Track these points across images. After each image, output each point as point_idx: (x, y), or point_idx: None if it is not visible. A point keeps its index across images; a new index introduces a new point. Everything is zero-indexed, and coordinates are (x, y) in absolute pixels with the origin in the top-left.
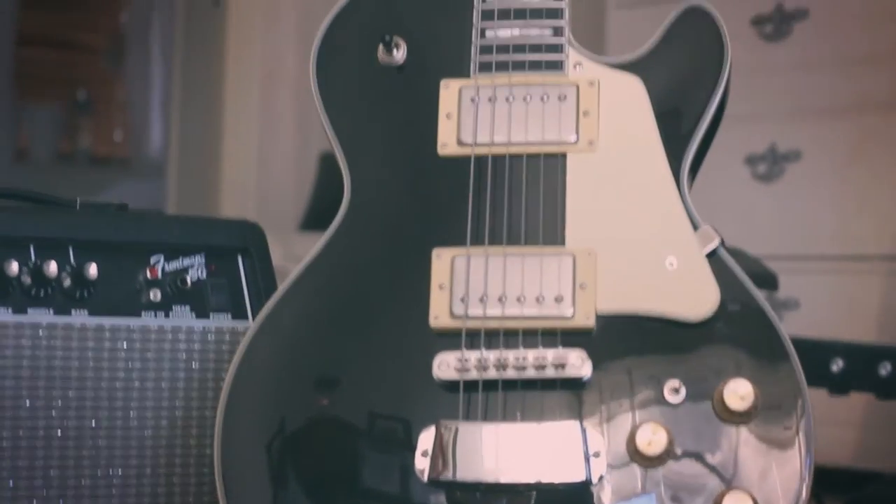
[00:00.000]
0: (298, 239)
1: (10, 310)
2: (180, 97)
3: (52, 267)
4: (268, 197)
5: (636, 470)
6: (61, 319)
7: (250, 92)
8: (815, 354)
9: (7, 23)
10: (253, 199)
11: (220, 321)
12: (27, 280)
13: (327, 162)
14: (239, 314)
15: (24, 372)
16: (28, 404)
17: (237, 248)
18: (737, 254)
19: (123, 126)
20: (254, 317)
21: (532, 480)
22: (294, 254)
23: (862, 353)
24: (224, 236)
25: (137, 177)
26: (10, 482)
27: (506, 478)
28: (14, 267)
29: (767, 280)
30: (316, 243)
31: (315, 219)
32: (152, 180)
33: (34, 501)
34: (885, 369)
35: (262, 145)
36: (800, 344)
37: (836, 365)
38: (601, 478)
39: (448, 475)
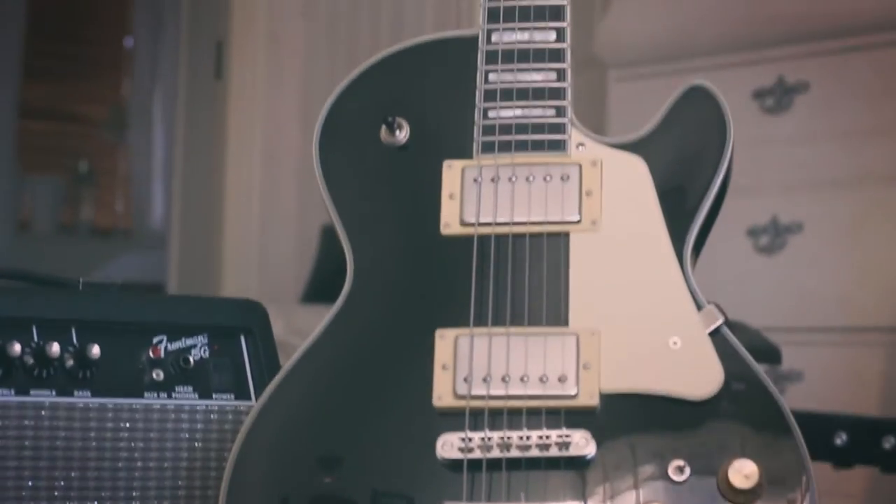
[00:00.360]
0: (300, 311)
1: (12, 391)
2: (182, 169)
3: (55, 348)
4: (269, 269)
5: None
6: (64, 400)
7: (252, 164)
8: (818, 428)
9: (9, 95)
10: (255, 271)
11: (223, 401)
12: (30, 361)
13: (329, 234)
14: (242, 394)
15: (26, 452)
16: (31, 485)
17: (240, 327)
18: (739, 327)
19: (125, 197)
20: (257, 397)
21: None
22: (296, 327)
23: (865, 426)
24: (227, 316)
25: (139, 248)
26: None
27: None
28: (17, 348)
29: (770, 353)
30: (318, 317)
31: (316, 291)
32: (154, 252)
33: None
34: (888, 443)
35: (264, 217)
36: (803, 418)
37: (840, 439)
38: None
39: None
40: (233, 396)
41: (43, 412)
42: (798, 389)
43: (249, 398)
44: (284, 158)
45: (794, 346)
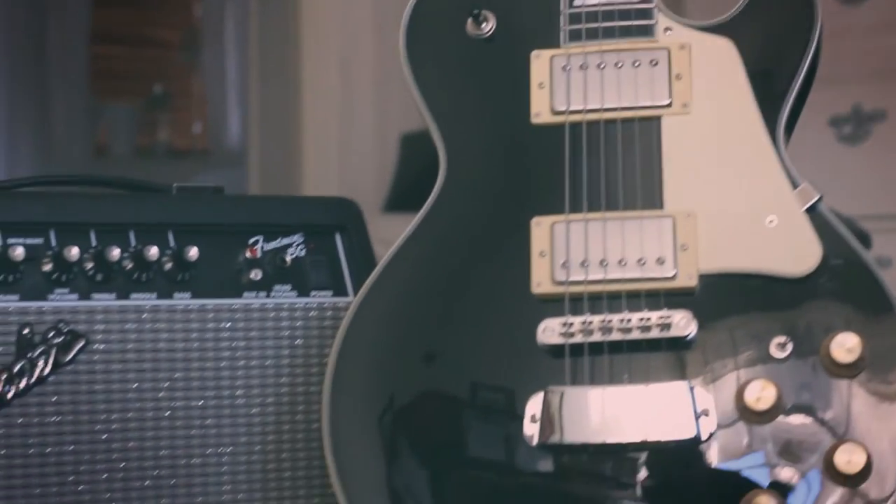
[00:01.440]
0: (382, 221)
1: (114, 295)
2: (258, 86)
3: (153, 251)
4: (349, 181)
5: (745, 427)
6: (164, 302)
7: (328, 77)
8: None
9: (81, 22)
10: (334, 183)
11: (321, 298)
12: (129, 265)
13: (408, 142)
14: (339, 291)
15: (129, 355)
16: (136, 387)
17: (335, 225)
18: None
19: (201, 118)
20: (354, 293)
21: (642, 440)
22: (379, 236)
23: None
24: (321, 215)
25: (217, 168)
26: (122, 464)
27: (616, 438)
28: (116, 253)
29: (861, 239)
30: (401, 225)
31: (398, 200)
32: (233, 170)
33: (146, 482)
34: None
35: (342, 129)
36: None
37: None
38: (711, 435)
39: (557, 439)
40: (331, 293)
41: (144, 315)
42: (888, 275)
43: (347, 294)
44: (360, 67)
45: (882, 234)
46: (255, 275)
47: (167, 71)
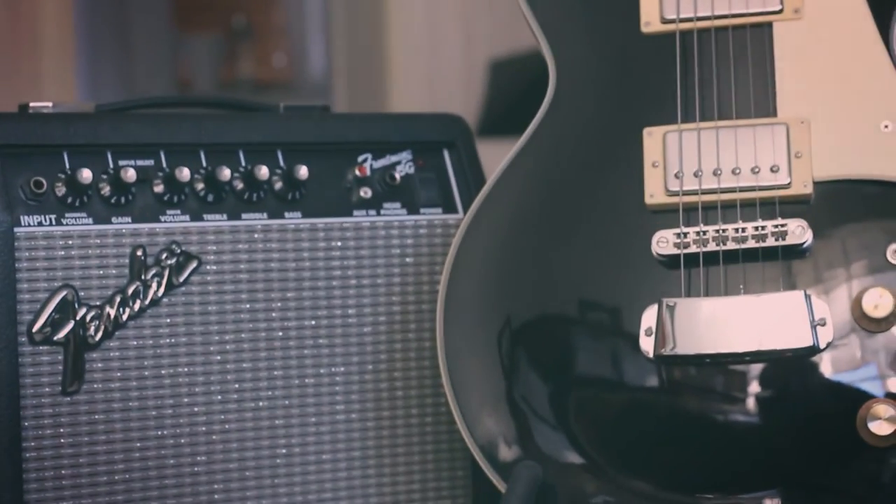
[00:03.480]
0: None
1: (225, 216)
2: (342, 14)
3: (263, 171)
4: (437, 107)
5: (862, 335)
6: (275, 222)
7: (412, 3)
8: None
9: None
10: (423, 111)
11: (431, 215)
12: (239, 185)
13: (497, 69)
14: (449, 208)
15: (242, 276)
16: (248, 307)
17: (443, 142)
18: None
19: (284, 50)
20: (464, 210)
21: (759, 349)
22: None
23: None
24: (429, 131)
25: (302, 100)
26: (236, 385)
27: (732, 347)
28: (226, 173)
29: None
30: (492, 150)
31: (488, 126)
32: (317, 102)
33: (260, 403)
34: None
35: (429, 56)
36: None
37: None
38: (828, 344)
39: (674, 350)
40: (440, 210)
41: (256, 235)
42: None
43: (457, 211)
44: None
45: None
46: (365, 193)
47: (248, 3)
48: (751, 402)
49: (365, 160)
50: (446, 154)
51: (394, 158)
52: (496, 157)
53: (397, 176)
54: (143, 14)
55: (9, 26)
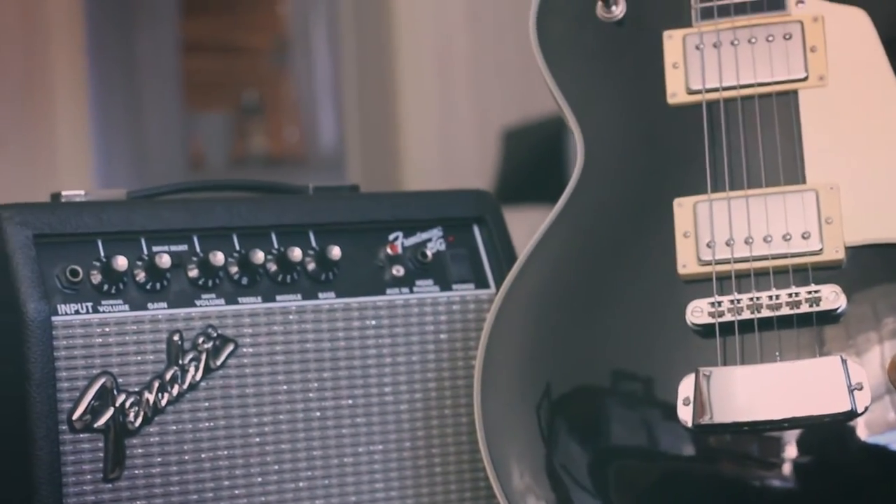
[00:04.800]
0: None
1: (259, 298)
2: (353, 87)
3: (296, 252)
4: (451, 179)
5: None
6: (310, 303)
7: (424, 74)
8: None
9: (170, 33)
10: (436, 182)
11: (464, 291)
12: (273, 268)
13: (510, 138)
14: (481, 283)
15: (278, 357)
16: (285, 388)
17: (473, 217)
18: None
19: (295, 124)
20: (496, 285)
21: (799, 415)
22: None
23: None
24: (459, 207)
25: (314, 172)
26: (275, 466)
27: (771, 415)
28: (259, 256)
29: None
30: (510, 219)
31: (504, 194)
32: (329, 174)
33: (300, 483)
34: None
35: (441, 126)
36: None
37: None
38: (866, 407)
39: (712, 419)
40: (473, 286)
41: (290, 316)
42: None
43: (489, 286)
44: (456, 62)
45: None
46: (397, 271)
47: (258, 77)
48: (790, 469)
49: (396, 238)
50: (476, 229)
51: (424, 236)
52: (513, 224)
53: (429, 253)
54: (154, 94)
55: (25, 112)
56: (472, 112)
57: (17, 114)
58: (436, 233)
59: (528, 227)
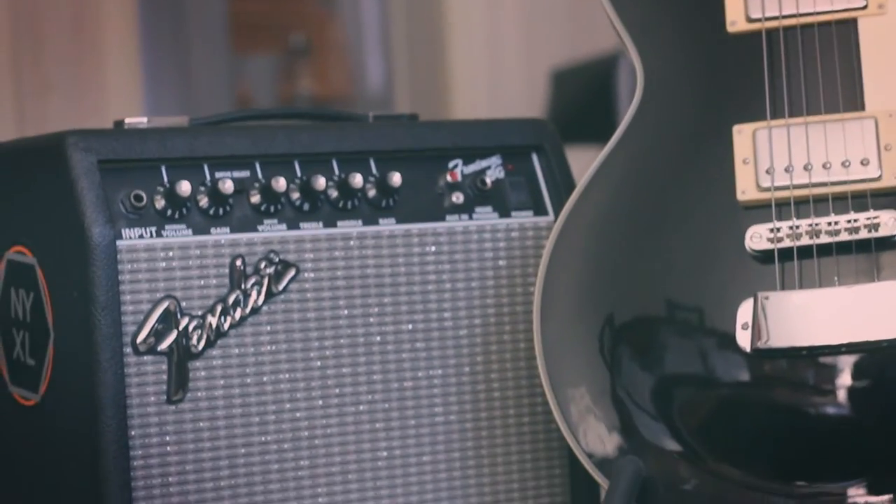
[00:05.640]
0: None
1: (321, 224)
2: (401, 28)
3: (357, 179)
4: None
5: None
6: (370, 229)
7: (473, 14)
8: None
9: None
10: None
11: (522, 218)
12: (334, 194)
13: (559, 79)
14: (539, 211)
15: (339, 282)
16: (346, 313)
17: (532, 146)
18: None
19: (343, 66)
20: (554, 212)
21: (857, 340)
22: None
23: None
24: (518, 136)
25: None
26: (336, 390)
27: (829, 340)
28: (321, 182)
29: None
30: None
31: None
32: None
33: (360, 407)
34: None
35: (490, 67)
36: None
37: None
38: None
39: (770, 344)
40: (531, 213)
41: (351, 242)
42: None
43: (547, 213)
44: (506, 3)
45: None
46: (457, 198)
47: (306, 19)
48: (846, 393)
49: (455, 166)
50: (535, 158)
51: (484, 163)
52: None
53: (488, 180)
54: (201, 37)
55: (75, 51)
56: (521, 51)
57: (69, 51)
58: (495, 160)
59: (578, 166)
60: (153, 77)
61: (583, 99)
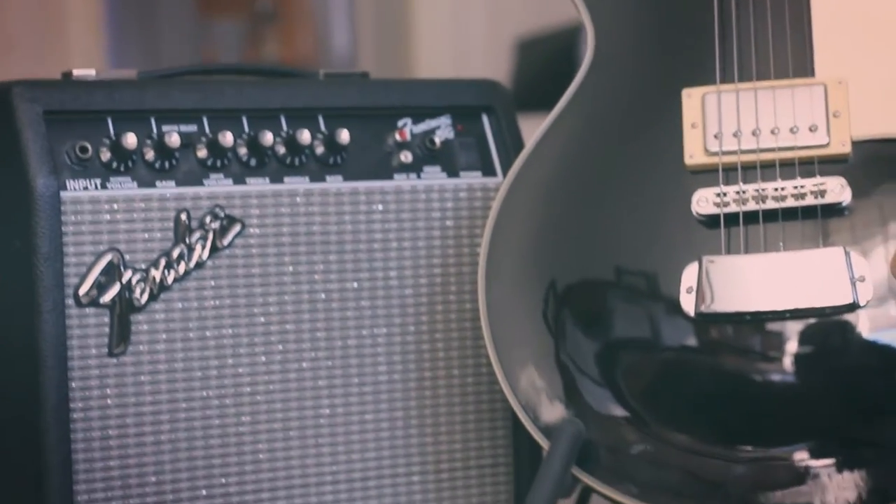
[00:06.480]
0: None
1: (267, 179)
2: None
3: (305, 135)
4: None
5: None
6: (317, 185)
7: None
8: None
9: None
10: None
11: (471, 179)
12: (281, 150)
13: (523, 48)
14: (488, 172)
15: (285, 239)
16: (291, 270)
17: (482, 106)
18: None
19: (309, 31)
20: (503, 173)
21: (801, 306)
22: None
23: None
24: (469, 96)
25: None
26: (279, 346)
27: (774, 305)
28: (268, 137)
29: None
30: (522, 124)
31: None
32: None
33: (303, 364)
34: None
35: (456, 37)
36: None
37: None
38: (868, 301)
39: (714, 308)
40: (480, 174)
41: (298, 199)
42: None
43: (496, 174)
44: None
45: None
46: (405, 157)
47: None
48: (790, 359)
49: (405, 125)
50: (485, 118)
51: (433, 123)
52: (527, 132)
53: (437, 140)
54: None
55: (40, 11)
56: (486, 18)
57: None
58: (444, 120)
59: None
60: (117, 39)
61: (547, 67)
